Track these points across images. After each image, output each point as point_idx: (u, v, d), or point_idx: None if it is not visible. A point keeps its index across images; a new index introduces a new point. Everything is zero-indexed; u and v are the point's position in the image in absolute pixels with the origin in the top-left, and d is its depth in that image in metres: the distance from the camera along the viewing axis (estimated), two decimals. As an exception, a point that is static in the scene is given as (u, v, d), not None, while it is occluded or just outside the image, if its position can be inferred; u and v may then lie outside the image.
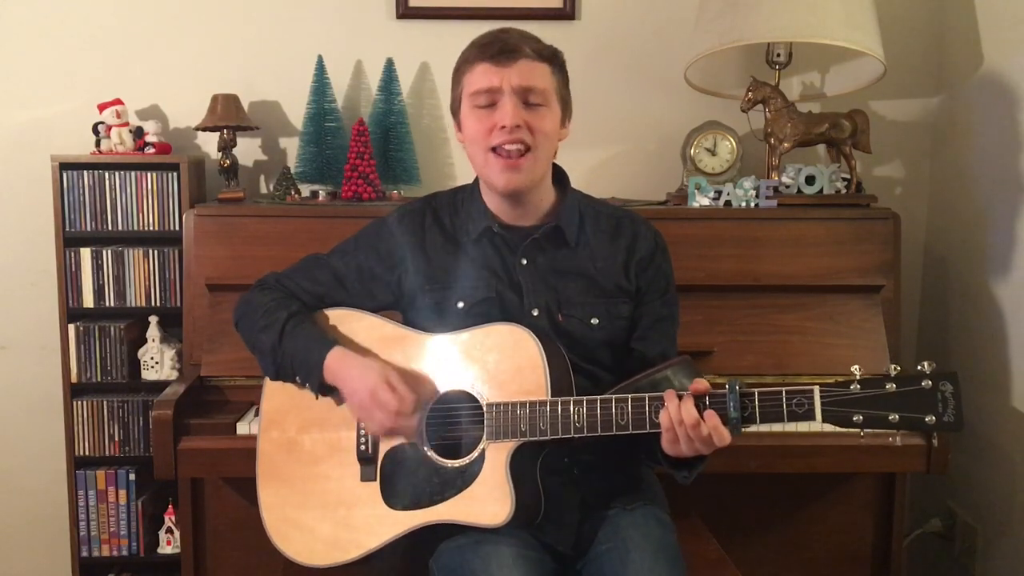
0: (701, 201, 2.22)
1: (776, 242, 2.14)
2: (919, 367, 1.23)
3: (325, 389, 1.49)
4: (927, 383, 1.21)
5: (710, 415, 1.29)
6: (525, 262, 1.52)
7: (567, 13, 2.47)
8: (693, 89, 2.37)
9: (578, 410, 1.38)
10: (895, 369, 1.24)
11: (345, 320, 1.57)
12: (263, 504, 1.57)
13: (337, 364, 1.47)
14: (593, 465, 1.51)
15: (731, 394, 1.28)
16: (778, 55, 2.32)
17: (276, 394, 1.59)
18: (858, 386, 1.24)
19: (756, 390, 1.28)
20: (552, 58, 1.49)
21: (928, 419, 1.21)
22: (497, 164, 1.45)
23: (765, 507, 2.13)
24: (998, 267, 2.21)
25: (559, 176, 1.59)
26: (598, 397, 1.38)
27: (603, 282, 1.53)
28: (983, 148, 2.29)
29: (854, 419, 1.24)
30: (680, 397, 1.31)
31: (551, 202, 1.56)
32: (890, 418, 1.22)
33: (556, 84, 1.49)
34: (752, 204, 2.20)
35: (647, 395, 1.36)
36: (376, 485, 1.49)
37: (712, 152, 2.38)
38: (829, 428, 1.89)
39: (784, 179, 2.25)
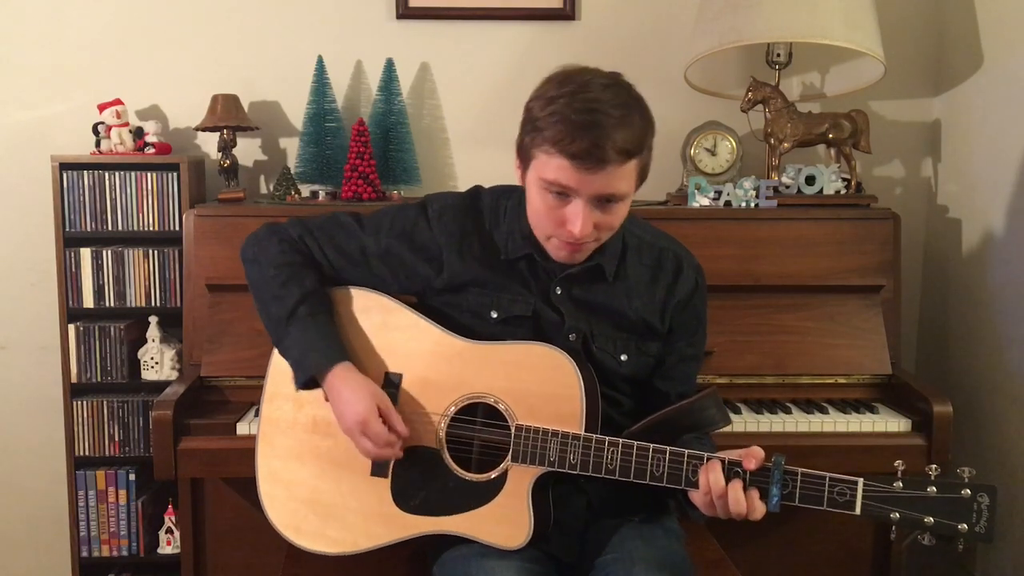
0: (701, 201, 2.22)
1: (776, 242, 2.14)
2: (960, 471, 1.24)
3: (309, 385, 1.45)
4: (966, 492, 1.24)
5: (752, 495, 1.28)
6: (559, 292, 1.48)
7: (567, 13, 2.47)
8: (693, 89, 2.38)
9: (612, 452, 1.35)
10: (935, 470, 1.25)
11: (375, 311, 1.52)
12: (260, 475, 1.54)
13: (335, 379, 1.43)
14: None
15: (775, 470, 1.27)
16: (778, 55, 2.32)
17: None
18: (900, 484, 1.25)
19: (800, 470, 1.28)
20: (640, 146, 1.31)
21: (960, 527, 1.24)
22: (557, 244, 1.39)
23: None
24: (998, 267, 2.21)
25: None
26: (635, 444, 1.34)
27: (635, 320, 1.49)
28: (983, 148, 2.29)
29: (891, 516, 1.25)
30: (728, 476, 1.29)
31: None
32: (925, 520, 1.24)
33: (639, 168, 1.34)
34: (752, 204, 2.20)
35: (686, 452, 1.32)
36: (387, 482, 1.46)
37: (712, 152, 2.38)
38: (829, 428, 1.93)
39: (784, 179, 2.25)
